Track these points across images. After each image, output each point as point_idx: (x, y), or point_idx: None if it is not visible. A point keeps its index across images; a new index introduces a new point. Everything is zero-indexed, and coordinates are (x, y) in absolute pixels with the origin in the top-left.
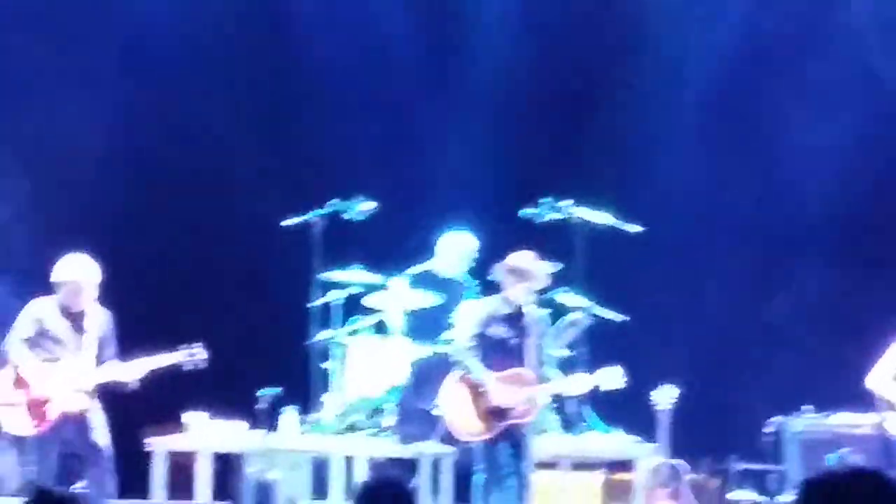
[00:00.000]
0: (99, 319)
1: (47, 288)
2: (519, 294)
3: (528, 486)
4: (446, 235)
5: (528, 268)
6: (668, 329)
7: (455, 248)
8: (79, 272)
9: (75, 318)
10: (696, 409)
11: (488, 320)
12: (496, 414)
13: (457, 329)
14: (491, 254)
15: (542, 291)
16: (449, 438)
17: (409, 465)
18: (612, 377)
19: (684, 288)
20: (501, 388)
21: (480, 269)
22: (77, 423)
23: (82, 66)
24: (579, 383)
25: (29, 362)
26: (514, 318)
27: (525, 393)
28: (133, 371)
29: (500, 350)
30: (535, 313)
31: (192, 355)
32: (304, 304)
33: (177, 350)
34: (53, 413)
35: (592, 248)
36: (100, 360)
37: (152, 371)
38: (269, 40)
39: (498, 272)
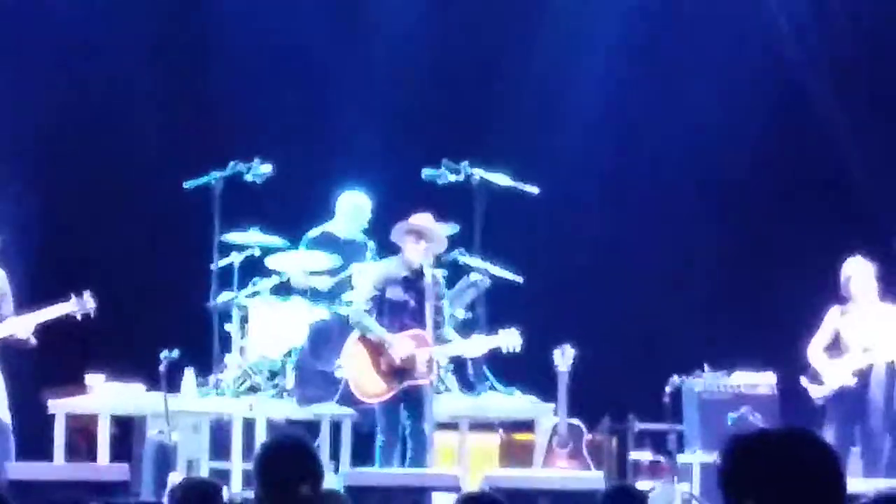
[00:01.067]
0: None
1: None
2: (417, 256)
3: (429, 447)
4: (342, 196)
5: (427, 229)
6: (567, 290)
7: (348, 208)
8: None
9: None
10: (595, 369)
11: (386, 282)
12: (397, 373)
13: (354, 290)
14: (393, 215)
15: (441, 253)
16: (348, 399)
17: (309, 427)
18: (510, 339)
19: (583, 248)
20: (403, 346)
21: (380, 231)
22: None
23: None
24: (477, 345)
25: None
26: (412, 280)
27: (423, 354)
28: (25, 324)
29: (398, 311)
30: (432, 275)
31: (82, 304)
32: (205, 266)
33: (66, 300)
34: None
35: (491, 209)
36: None
37: (46, 323)
38: (178, 2)
39: (397, 233)
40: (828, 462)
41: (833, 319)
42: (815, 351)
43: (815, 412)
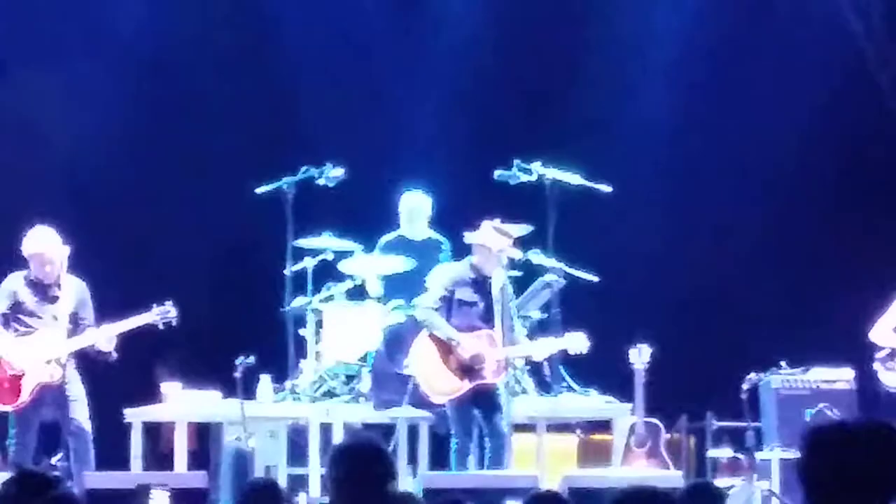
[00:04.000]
0: (72, 289)
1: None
2: (487, 264)
3: (506, 449)
4: (401, 199)
5: (495, 244)
6: (642, 288)
7: (406, 209)
8: (44, 244)
9: (47, 290)
10: (672, 367)
11: (455, 283)
12: (466, 372)
13: (426, 292)
14: (466, 217)
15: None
16: (418, 400)
17: (386, 431)
18: (577, 342)
19: (657, 246)
20: (472, 345)
21: (456, 232)
22: (56, 395)
23: (51, 40)
24: (544, 347)
25: (2, 338)
26: (481, 282)
27: (493, 353)
28: (105, 336)
29: (467, 313)
30: (501, 278)
31: (164, 313)
32: (279, 272)
33: (147, 311)
34: (29, 387)
35: (564, 209)
36: (77, 330)
37: (126, 334)
38: (241, 10)
39: (470, 240)
40: None
41: None
42: (883, 332)
43: (893, 407)
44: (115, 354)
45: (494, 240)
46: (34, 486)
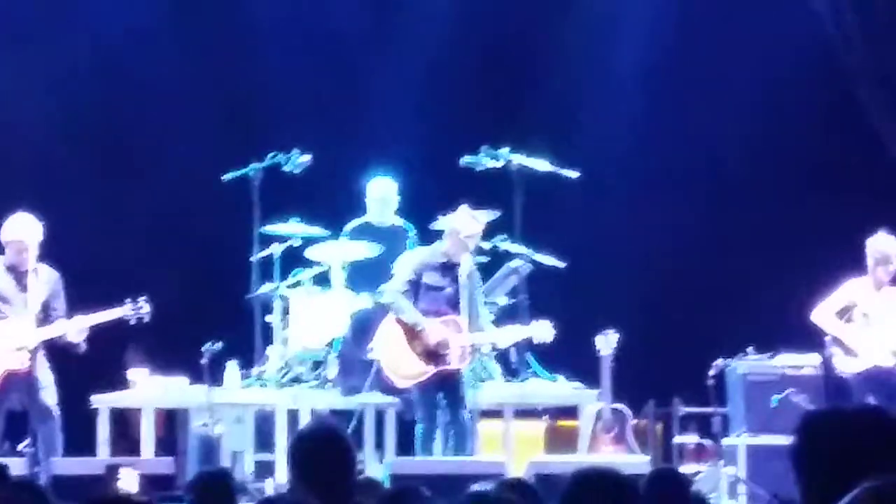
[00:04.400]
0: (45, 278)
1: None
2: (457, 250)
3: (469, 434)
4: (368, 185)
5: (467, 229)
6: (609, 274)
7: (373, 195)
8: (21, 231)
9: (21, 278)
10: (639, 353)
11: (424, 267)
12: (430, 356)
13: (392, 278)
14: (433, 203)
15: (482, 240)
16: (383, 386)
17: (352, 417)
18: (542, 330)
19: (624, 232)
20: (437, 330)
21: (423, 218)
22: (25, 381)
23: (12, 24)
24: (509, 334)
25: None
26: (450, 267)
27: (458, 339)
28: (77, 327)
29: (434, 297)
30: (469, 264)
31: (137, 308)
32: (246, 258)
33: (121, 304)
34: None
35: (531, 195)
36: (48, 319)
37: (97, 326)
38: None
39: (442, 225)
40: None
41: (852, 290)
42: (825, 315)
43: (846, 392)
44: (83, 346)
45: (467, 225)
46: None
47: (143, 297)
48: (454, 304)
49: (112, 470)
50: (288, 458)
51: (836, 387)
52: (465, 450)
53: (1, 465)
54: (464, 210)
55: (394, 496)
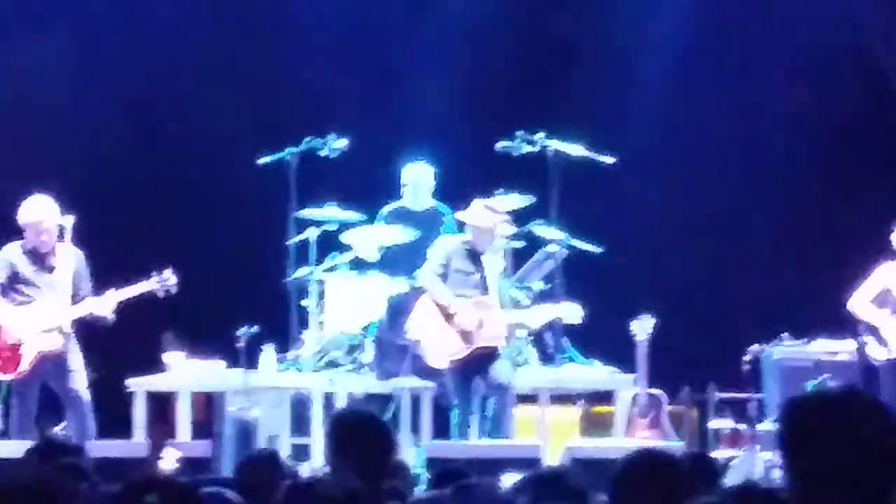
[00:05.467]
0: (69, 258)
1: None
2: (480, 242)
3: (507, 419)
4: (404, 170)
5: (484, 222)
6: (645, 259)
7: (409, 179)
8: (39, 212)
9: (45, 259)
10: (674, 338)
11: (452, 254)
12: (467, 335)
13: (427, 262)
14: (469, 188)
15: (517, 225)
16: (420, 370)
17: (388, 401)
18: (571, 311)
19: (659, 217)
20: (470, 311)
21: (458, 202)
22: (56, 364)
23: (52, 3)
24: (539, 314)
25: (1, 308)
26: (475, 256)
27: (489, 316)
28: (106, 303)
29: (464, 282)
30: (498, 265)
31: (163, 281)
32: (282, 242)
33: (147, 279)
34: (29, 356)
35: (567, 180)
36: (75, 299)
37: (127, 302)
38: None
39: (461, 219)
40: (885, 424)
41: (885, 276)
42: (861, 304)
43: (883, 378)
44: (112, 318)
45: (484, 218)
46: (57, 454)
47: (170, 269)
48: (483, 288)
49: (156, 449)
50: (327, 438)
51: (869, 374)
52: (506, 415)
53: (53, 442)
54: (476, 204)
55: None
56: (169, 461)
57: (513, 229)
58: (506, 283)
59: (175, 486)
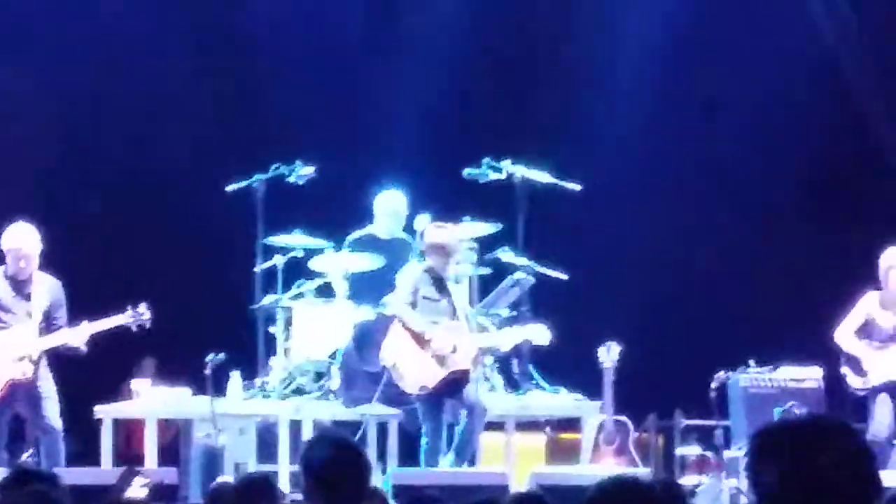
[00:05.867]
0: (46, 287)
1: None
2: (440, 265)
3: (475, 440)
4: (377, 197)
5: (445, 243)
6: (611, 286)
7: (383, 208)
8: (20, 240)
9: (22, 287)
10: (641, 365)
11: (418, 281)
12: (441, 360)
13: (394, 290)
14: (435, 215)
15: (484, 252)
16: (391, 398)
17: (355, 429)
18: (539, 333)
19: (626, 244)
20: (444, 336)
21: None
22: (27, 391)
23: (14, 31)
24: (508, 336)
25: None
26: (439, 281)
27: (463, 340)
28: (79, 335)
29: (433, 309)
30: (454, 273)
31: (138, 315)
32: (249, 269)
33: (122, 312)
34: None
35: (533, 207)
36: (49, 328)
37: (99, 333)
38: (210, 5)
39: (421, 245)
40: (857, 451)
41: (868, 305)
42: (845, 335)
43: (862, 406)
44: (84, 349)
45: (432, 235)
46: (31, 482)
47: (144, 304)
48: (452, 314)
49: (125, 477)
50: (302, 464)
51: (845, 403)
52: (467, 452)
53: (23, 470)
54: (423, 223)
55: None
56: (136, 489)
57: (471, 253)
58: (472, 311)
59: None
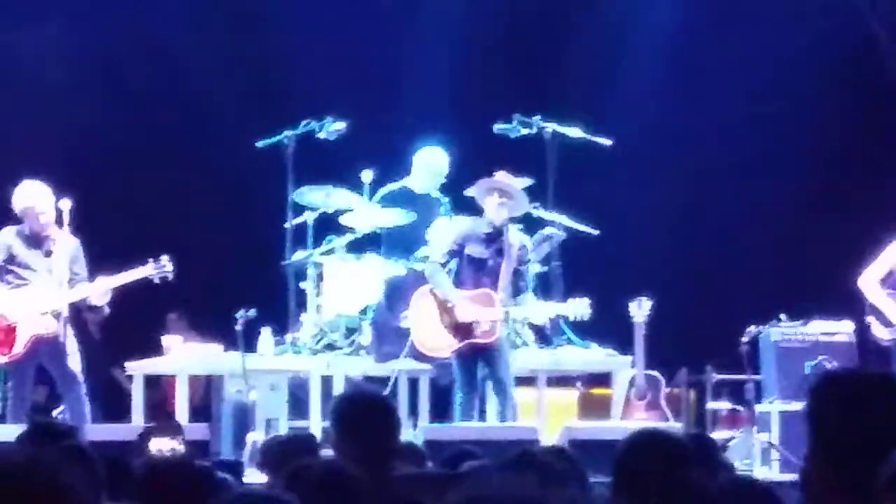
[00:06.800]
0: (66, 243)
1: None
2: (498, 214)
3: (511, 401)
4: (419, 152)
5: (511, 188)
6: (642, 241)
7: (426, 165)
8: (31, 198)
9: (42, 244)
10: (672, 320)
11: (467, 238)
12: (459, 330)
13: (432, 245)
14: (466, 171)
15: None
16: (417, 354)
17: (386, 384)
18: (579, 307)
19: (657, 199)
20: (467, 306)
21: (454, 186)
22: (51, 347)
23: None
24: (544, 310)
25: None
26: (493, 239)
27: (489, 314)
28: (101, 289)
29: (476, 269)
30: (516, 238)
31: (160, 267)
32: (280, 225)
33: (143, 265)
34: (23, 338)
35: (564, 162)
36: (70, 284)
37: (123, 288)
38: None
39: (479, 190)
40: None
41: (894, 254)
42: (869, 283)
43: (886, 360)
44: (107, 310)
45: (512, 187)
46: (50, 437)
47: (166, 256)
48: (495, 277)
49: (145, 436)
50: (332, 419)
51: (871, 354)
52: (512, 417)
53: (47, 425)
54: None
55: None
56: (169, 443)
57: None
58: (531, 267)
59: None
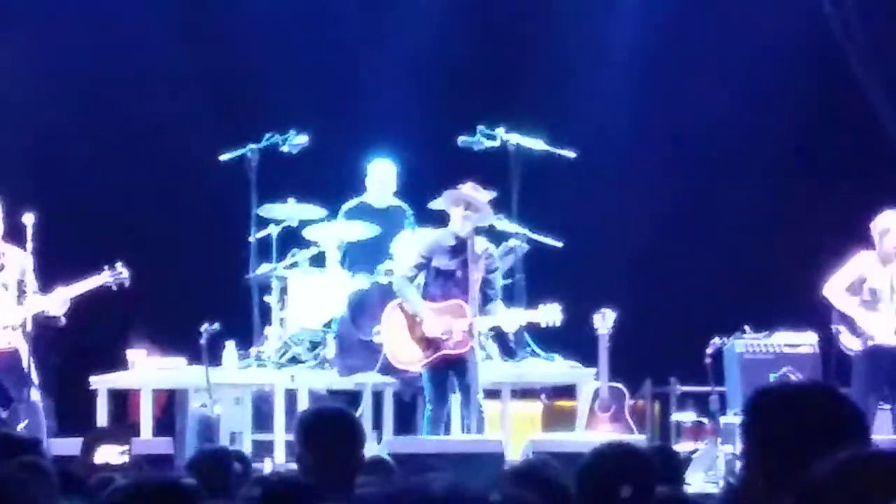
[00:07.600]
0: (14, 256)
1: None
2: (464, 226)
3: (478, 412)
4: (369, 166)
5: (476, 200)
6: (606, 253)
7: (374, 177)
8: None
9: None
10: (636, 332)
11: (433, 250)
12: (430, 343)
13: (397, 259)
14: (430, 184)
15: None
16: (388, 368)
17: (350, 397)
18: (550, 314)
19: (621, 211)
20: (436, 319)
21: (418, 198)
22: (10, 362)
23: (12, 3)
24: (516, 318)
25: None
26: (459, 251)
27: (460, 325)
28: (56, 299)
29: (445, 280)
30: (481, 246)
31: (116, 274)
32: (244, 238)
33: (98, 273)
34: None
35: (528, 174)
36: (21, 298)
37: (82, 297)
38: None
39: (445, 201)
40: (848, 415)
41: (862, 264)
42: (837, 292)
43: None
44: (63, 320)
45: (477, 198)
46: (11, 449)
47: (120, 263)
48: (464, 288)
49: (89, 445)
50: (297, 433)
51: (831, 365)
52: (482, 429)
53: (10, 438)
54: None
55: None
56: (113, 455)
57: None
58: (499, 275)
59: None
